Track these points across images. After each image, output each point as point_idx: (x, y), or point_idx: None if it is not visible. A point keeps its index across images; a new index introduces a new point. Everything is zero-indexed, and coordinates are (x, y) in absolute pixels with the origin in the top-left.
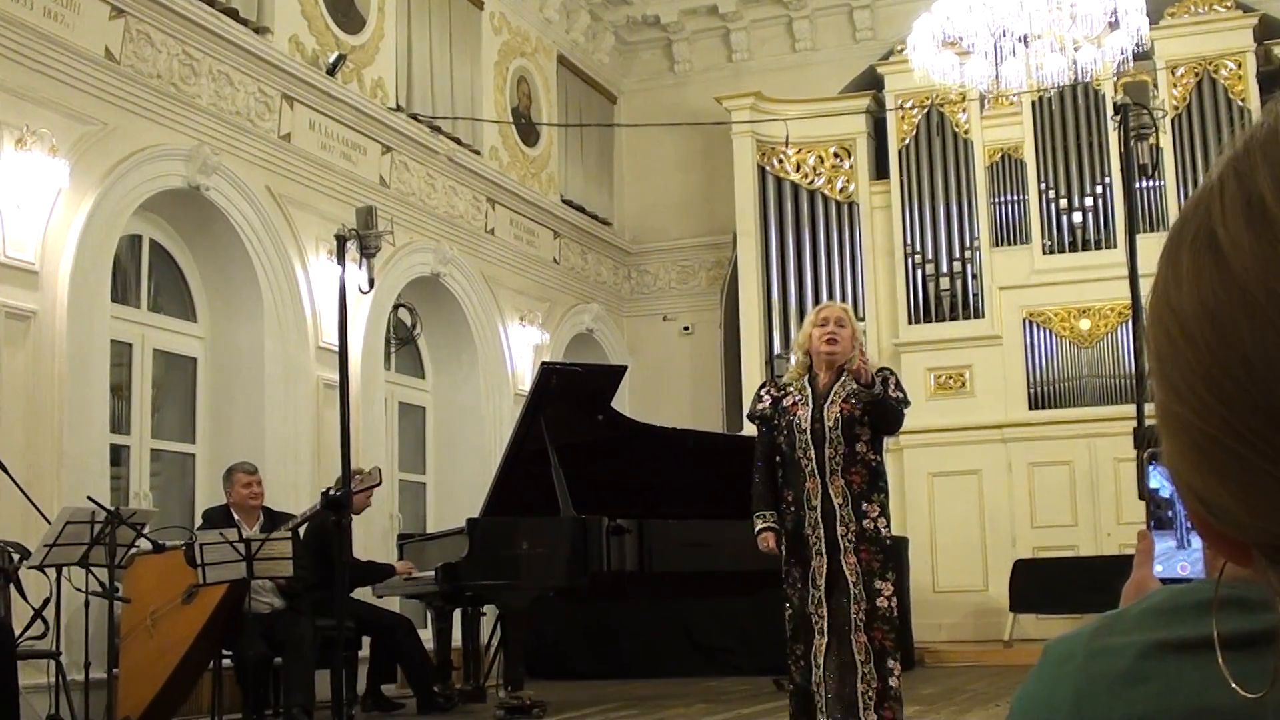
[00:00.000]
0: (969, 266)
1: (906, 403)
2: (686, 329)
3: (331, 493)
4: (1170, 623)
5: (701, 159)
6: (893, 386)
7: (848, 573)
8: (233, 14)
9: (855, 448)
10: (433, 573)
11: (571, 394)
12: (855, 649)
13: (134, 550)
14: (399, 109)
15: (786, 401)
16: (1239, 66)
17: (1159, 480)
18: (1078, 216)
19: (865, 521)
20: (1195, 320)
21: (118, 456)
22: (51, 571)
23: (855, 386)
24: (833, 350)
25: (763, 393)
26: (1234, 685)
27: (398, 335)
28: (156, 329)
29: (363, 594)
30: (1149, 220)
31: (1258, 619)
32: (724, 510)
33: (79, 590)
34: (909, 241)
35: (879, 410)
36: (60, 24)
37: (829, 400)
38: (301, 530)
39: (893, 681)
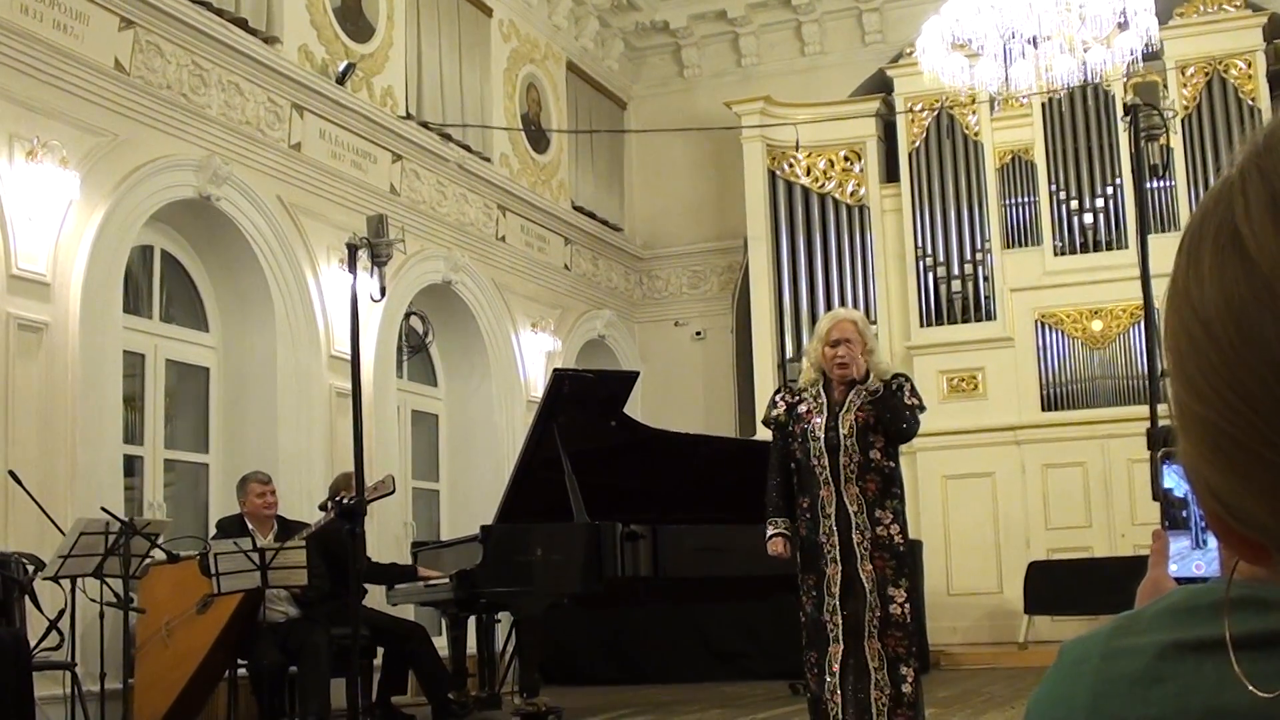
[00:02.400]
0: (980, 269)
1: (922, 408)
2: (698, 334)
3: (345, 501)
4: (1186, 623)
5: (712, 164)
6: (908, 393)
7: (864, 580)
8: (242, 24)
9: (870, 455)
10: (448, 579)
11: (584, 400)
12: (869, 655)
13: (148, 561)
14: (409, 117)
15: (801, 408)
16: (1249, 66)
17: (1173, 480)
18: (1089, 217)
19: (879, 529)
20: (1218, 319)
21: (131, 467)
22: (66, 583)
23: (869, 395)
24: (844, 374)
25: (777, 398)
26: (1249, 686)
27: (410, 343)
28: (169, 339)
29: (377, 602)
30: (1160, 220)
31: (1274, 619)
32: (737, 515)
33: (94, 601)
34: (920, 244)
35: (889, 408)
36: (69, 36)
37: (844, 408)
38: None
39: (905, 688)
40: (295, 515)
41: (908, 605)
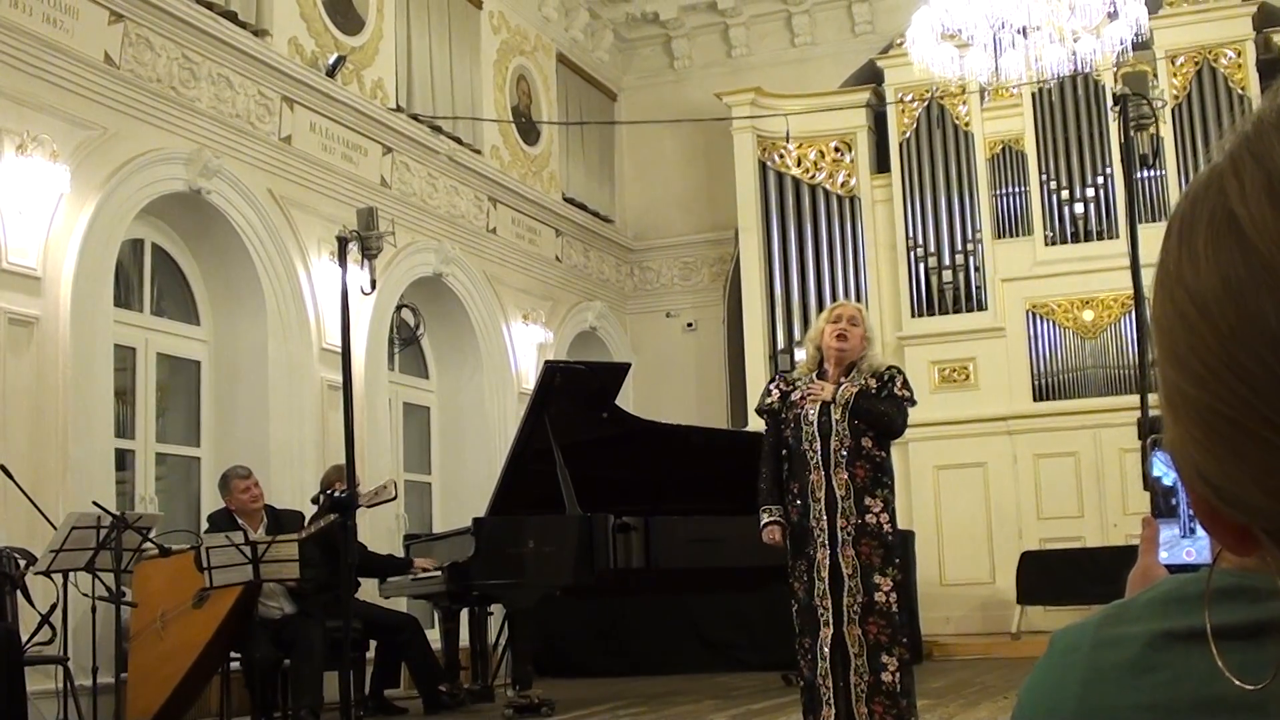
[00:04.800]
0: (971, 259)
1: (912, 402)
2: (690, 325)
3: (337, 494)
4: (1176, 612)
5: (702, 155)
6: (899, 385)
7: (844, 566)
8: (231, 17)
9: (861, 442)
10: (440, 571)
11: (576, 392)
12: (848, 641)
13: (143, 551)
14: (399, 109)
15: (794, 395)
16: (1239, 55)
17: (1162, 468)
18: (1079, 207)
19: (868, 516)
20: (1215, 300)
21: (123, 461)
22: (58, 577)
23: (864, 384)
24: (842, 347)
25: (771, 387)
26: (1232, 677)
27: (401, 336)
28: (160, 333)
29: (370, 595)
30: (1150, 210)
31: (1262, 608)
32: (729, 506)
33: (86, 595)
34: (911, 235)
35: (862, 416)
36: (59, 29)
37: (837, 394)
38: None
39: (886, 677)
40: (286, 509)
41: (893, 594)
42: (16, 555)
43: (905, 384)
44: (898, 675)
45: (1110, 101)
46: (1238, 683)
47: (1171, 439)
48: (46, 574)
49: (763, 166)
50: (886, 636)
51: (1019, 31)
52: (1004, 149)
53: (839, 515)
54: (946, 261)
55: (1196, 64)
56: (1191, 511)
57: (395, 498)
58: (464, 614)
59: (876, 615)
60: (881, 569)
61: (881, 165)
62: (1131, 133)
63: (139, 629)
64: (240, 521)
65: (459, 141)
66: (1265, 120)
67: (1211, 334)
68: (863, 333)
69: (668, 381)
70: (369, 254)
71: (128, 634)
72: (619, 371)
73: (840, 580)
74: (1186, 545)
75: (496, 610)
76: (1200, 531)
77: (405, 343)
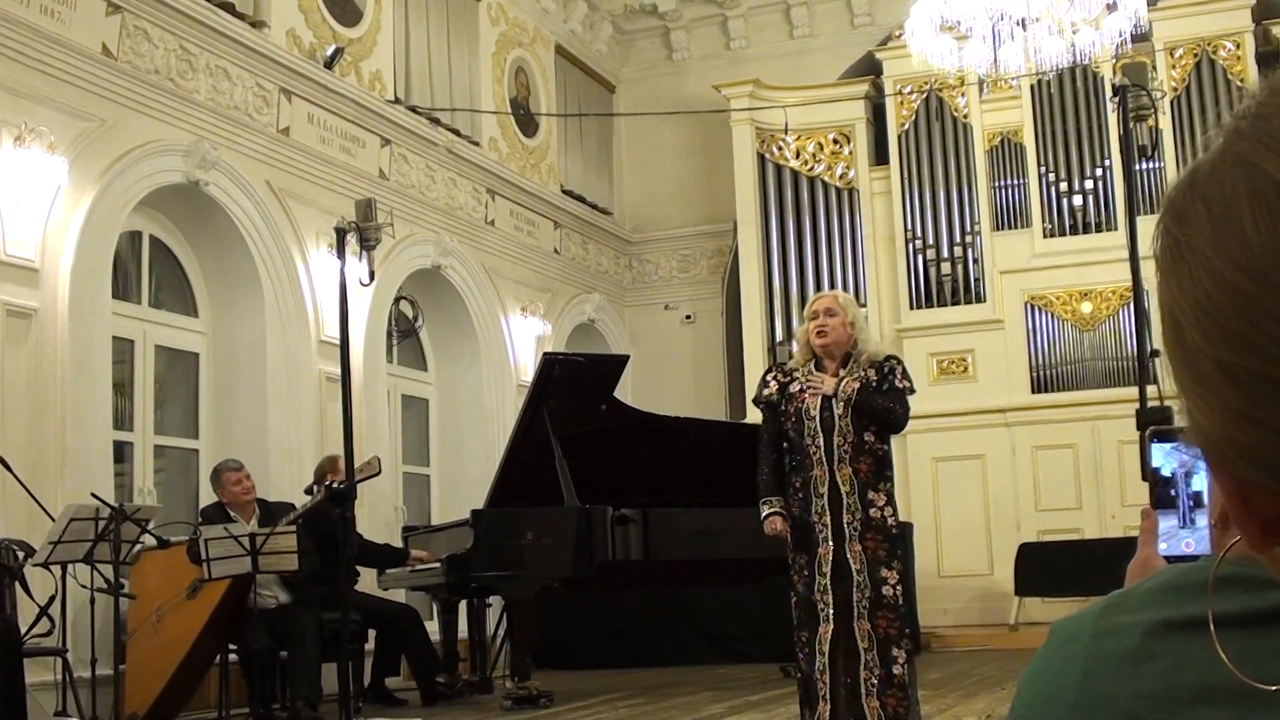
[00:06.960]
0: (970, 251)
1: (911, 391)
2: (688, 318)
3: (334, 485)
4: (1177, 601)
5: (701, 147)
6: (899, 376)
7: (852, 560)
8: (229, 8)
9: (864, 436)
10: (439, 563)
11: (574, 384)
12: (858, 636)
13: (139, 546)
14: (397, 101)
15: (794, 388)
16: (1238, 47)
17: (1160, 458)
18: (1078, 199)
19: (872, 510)
20: (1277, 267)
21: (121, 453)
22: (57, 569)
23: (863, 375)
24: (824, 342)
25: (769, 378)
26: (1228, 663)
27: (399, 328)
28: (158, 325)
29: (368, 586)
30: (1149, 202)
31: (1264, 596)
32: (728, 498)
33: (84, 587)
34: (909, 227)
35: (867, 414)
36: (57, 21)
37: (839, 388)
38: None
39: (896, 670)
40: (278, 501)
41: (899, 587)
42: (15, 547)
43: (905, 374)
44: (906, 667)
45: (1109, 93)
46: (1247, 678)
47: (1209, 427)
48: (45, 566)
49: (761, 159)
50: (895, 630)
51: (1018, 23)
52: (1003, 141)
53: (844, 510)
54: (945, 254)
55: (1195, 56)
56: (1192, 502)
57: (379, 473)
58: (463, 605)
59: (885, 609)
60: (887, 562)
61: (880, 157)
62: (1130, 124)
63: (136, 624)
64: (233, 514)
65: (457, 133)
66: (1274, 102)
67: (1275, 300)
68: (843, 319)
69: (666, 374)
70: (367, 246)
71: (126, 626)
72: (618, 364)
73: (843, 575)
74: (1185, 536)
75: (495, 602)
76: (1200, 523)
77: (404, 335)
